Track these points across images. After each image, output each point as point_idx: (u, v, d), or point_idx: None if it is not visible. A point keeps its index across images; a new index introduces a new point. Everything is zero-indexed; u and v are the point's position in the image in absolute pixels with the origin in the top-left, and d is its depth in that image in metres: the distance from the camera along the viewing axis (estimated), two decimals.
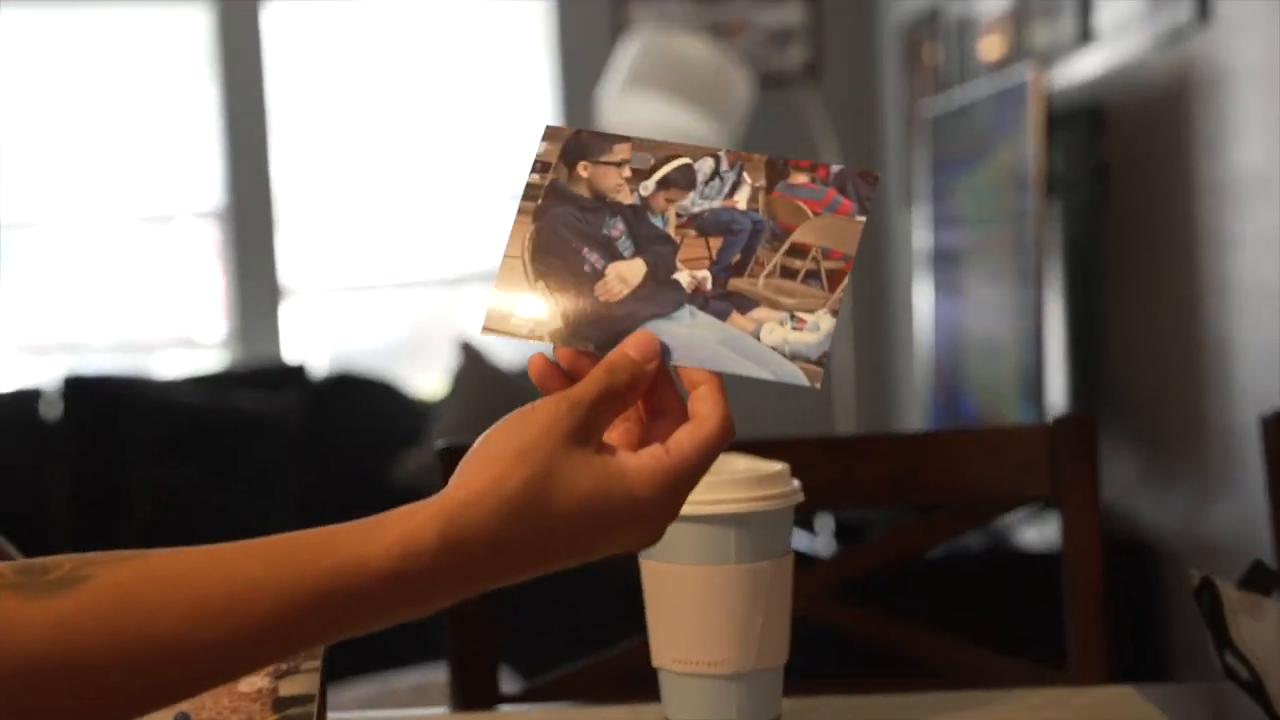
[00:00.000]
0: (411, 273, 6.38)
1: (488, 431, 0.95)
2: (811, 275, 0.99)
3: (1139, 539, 3.51)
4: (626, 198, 1.02)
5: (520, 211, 1.03)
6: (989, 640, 2.44)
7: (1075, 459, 1.56)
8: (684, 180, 1.02)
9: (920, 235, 4.64)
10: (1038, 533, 3.62)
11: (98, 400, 5.39)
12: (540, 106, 6.38)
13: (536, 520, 0.92)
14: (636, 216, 1.02)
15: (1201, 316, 3.24)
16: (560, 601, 3.22)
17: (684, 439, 0.95)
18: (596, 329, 0.99)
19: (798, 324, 0.98)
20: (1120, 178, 3.62)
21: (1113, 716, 1.34)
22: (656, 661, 1.20)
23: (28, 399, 5.45)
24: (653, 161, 1.03)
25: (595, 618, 2.78)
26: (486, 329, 1.02)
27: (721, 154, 1.03)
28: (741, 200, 1.01)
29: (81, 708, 0.88)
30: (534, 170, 1.04)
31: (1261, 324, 2.96)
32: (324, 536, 0.92)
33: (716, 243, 1.00)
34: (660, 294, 0.99)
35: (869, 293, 6.26)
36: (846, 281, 0.99)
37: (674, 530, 1.08)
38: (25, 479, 5.32)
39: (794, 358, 0.97)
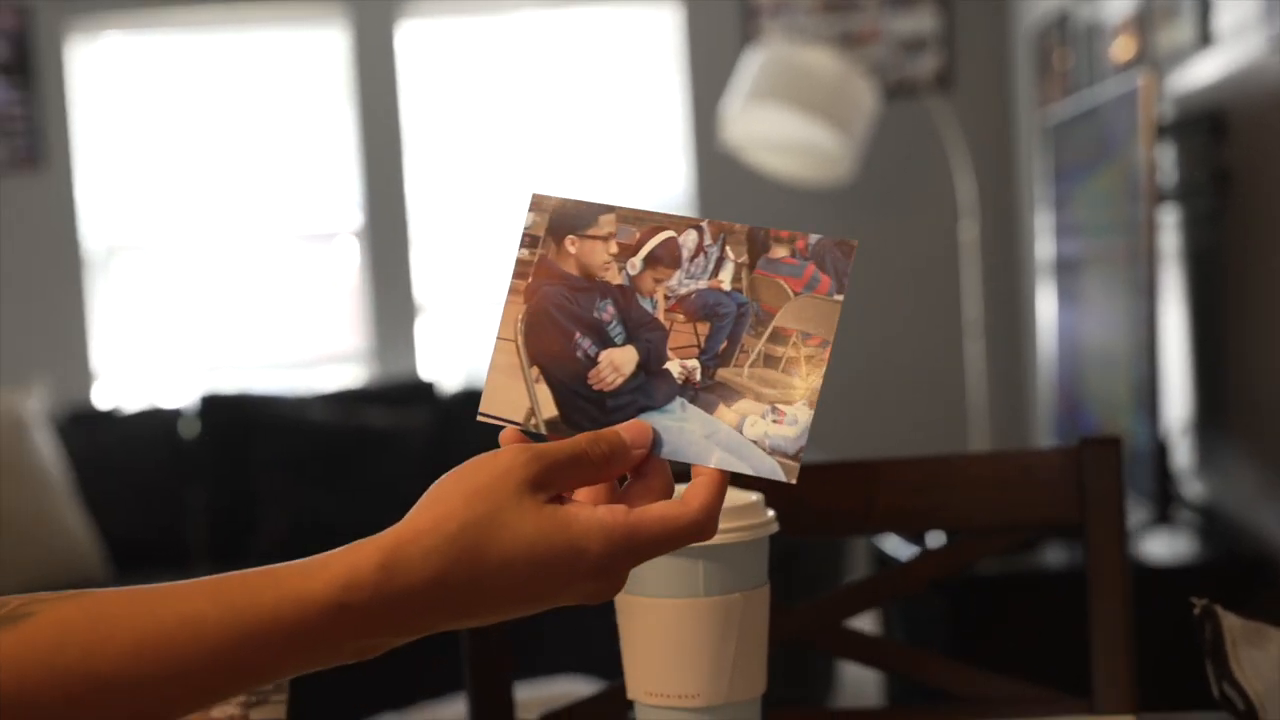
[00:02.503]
0: None
1: (450, 470, 0.96)
2: (792, 363, 1.00)
3: (1260, 552, 3.44)
4: (615, 277, 1.03)
5: (511, 290, 1.04)
6: (1025, 659, 2.41)
7: (1101, 484, 1.53)
8: (669, 257, 1.03)
9: (1043, 244, 4.59)
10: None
11: (233, 418, 5.51)
12: (670, 118, 6.44)
13: (473, 563, 0.92)
14: (626, 298, 1.03)
15: None
16: None
17: (654, 510, 0.95)
18: (590, 419, 1.02)
19: (777, 417, 0.99)
20: (1241, 184, 3.55)
21: None
22: (631, 694, 1.20)
23: (167, 418, 5.59)
24: (637, 235, 1.04)
25: None
26: (482, 414, 1.04)
27: (704, 225, 1.03)
28: (725, 279, 1.02)
29: None
30: (522, 245, 1.05)
31: None
32: (273, 571, 0.93)
33: (704, 329, 1.02)
34: (652, 385, 1.01)
35: (1000, 300, 6.22)
36: (823, 370, 1.00)
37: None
38: (164, 496, 5.46)
39: (773, 452, 0.99)
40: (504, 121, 6.49)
